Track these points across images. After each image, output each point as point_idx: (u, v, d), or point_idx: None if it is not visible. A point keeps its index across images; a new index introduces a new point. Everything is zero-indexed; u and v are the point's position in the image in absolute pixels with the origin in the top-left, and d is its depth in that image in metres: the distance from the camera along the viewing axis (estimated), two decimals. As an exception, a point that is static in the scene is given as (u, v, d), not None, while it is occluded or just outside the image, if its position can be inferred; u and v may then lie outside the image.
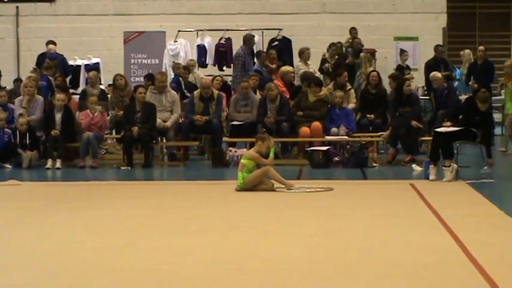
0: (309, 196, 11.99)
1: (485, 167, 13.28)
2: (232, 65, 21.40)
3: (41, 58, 21.26)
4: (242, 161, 12.58)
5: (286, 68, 18.74)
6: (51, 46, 21.53)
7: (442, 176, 13.36)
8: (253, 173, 12.33)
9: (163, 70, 19.93)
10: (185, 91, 19.39)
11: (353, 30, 22.53)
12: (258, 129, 15.89)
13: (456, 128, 13.56)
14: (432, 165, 13.50)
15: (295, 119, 16.69)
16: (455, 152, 14.25)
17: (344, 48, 22.15)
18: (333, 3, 24.46)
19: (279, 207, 10.96)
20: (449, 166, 13.36)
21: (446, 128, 13.67)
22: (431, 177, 13.39)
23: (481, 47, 21.03)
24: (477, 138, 13.94)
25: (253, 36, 21.24)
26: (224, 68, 22.63)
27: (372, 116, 16.96)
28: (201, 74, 20.90)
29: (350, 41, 22.16)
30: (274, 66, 20.00)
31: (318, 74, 20.06)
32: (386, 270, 7.19)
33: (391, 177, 14.75)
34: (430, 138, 15.52)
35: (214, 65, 23.09)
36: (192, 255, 7.89)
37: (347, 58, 21.60)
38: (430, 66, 20.29)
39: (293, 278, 6.92)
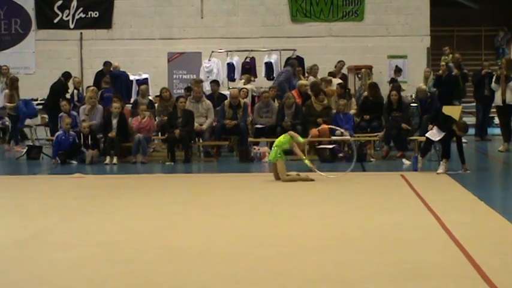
0: (318, 185, 11.96)
1: (461, 171, 13.14)
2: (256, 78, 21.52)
3: (99, 75, 21.44)
4: (281, 138, 12.67)
5: (302, 82, 18.68)
6: (116, 64, 21.73)
7: (427, 166, 13.34)
8: (284, 173, 12.31)
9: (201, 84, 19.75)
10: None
11: (450, 48, 21.45)
12: (278, 131, 15.82)
13: (441, 137, 13.36)
14: (421, 158, 13.53)
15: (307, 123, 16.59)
16: (437, 149, 14.19)
17: (446, 64, 20.94)
18: (337, 29, 24.30)
19: (293, 194, 10.95)
20: (444, 162, 13.23)
21: (433, 135, 13.46)
22: (419, 165, 13.44)
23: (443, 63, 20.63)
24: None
25: (297, 61, 21.07)
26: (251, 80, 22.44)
27: (368, 116, 16.77)
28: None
29: (449, 57, 20.96)
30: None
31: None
32: (380, 245, 7.19)
33: (385, 169, 14.68)
34: (418, 137, 15.45)
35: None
36: (222, 234, 7.91)
37: (451, 72, 20.06)
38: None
39: (305, 252, 6.93)
